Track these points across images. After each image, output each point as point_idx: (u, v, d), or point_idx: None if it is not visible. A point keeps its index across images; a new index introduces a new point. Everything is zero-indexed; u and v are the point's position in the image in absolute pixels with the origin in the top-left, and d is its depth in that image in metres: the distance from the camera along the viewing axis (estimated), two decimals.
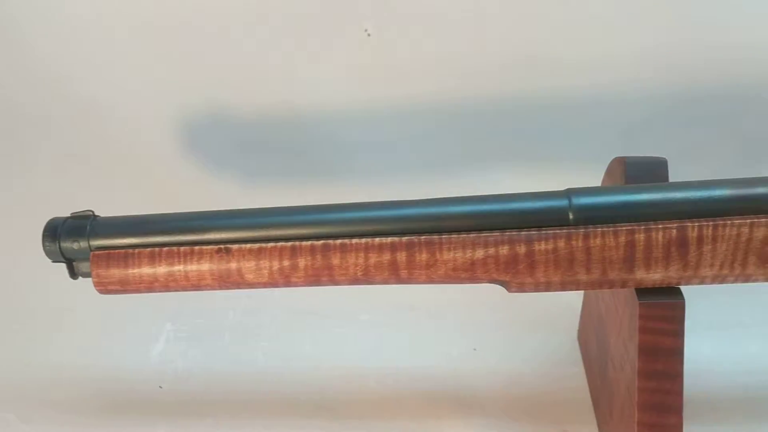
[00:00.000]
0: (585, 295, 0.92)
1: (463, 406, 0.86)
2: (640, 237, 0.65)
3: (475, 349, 0.95)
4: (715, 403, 0.86)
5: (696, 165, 0.93)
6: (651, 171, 0.72)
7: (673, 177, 0.92)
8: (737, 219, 0.64)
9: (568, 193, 0.67)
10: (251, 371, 0.93)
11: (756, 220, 0.64)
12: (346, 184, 0.93)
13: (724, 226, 0.64)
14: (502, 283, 0.68)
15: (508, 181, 0.92)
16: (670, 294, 0.67)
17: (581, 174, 0.83)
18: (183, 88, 0.93)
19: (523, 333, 0.95)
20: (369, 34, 0.86)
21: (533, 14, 0.85)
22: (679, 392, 0.67)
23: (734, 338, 0.94)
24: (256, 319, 1.00)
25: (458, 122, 0.90)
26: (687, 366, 0.88)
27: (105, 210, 0.73)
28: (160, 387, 0.90)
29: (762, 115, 0.88)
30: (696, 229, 0.65)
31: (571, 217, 0.66)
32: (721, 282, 0.66)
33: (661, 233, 0.65)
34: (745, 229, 0.64)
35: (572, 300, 0.94)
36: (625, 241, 0.65)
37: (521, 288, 0.67)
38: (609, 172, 0.78)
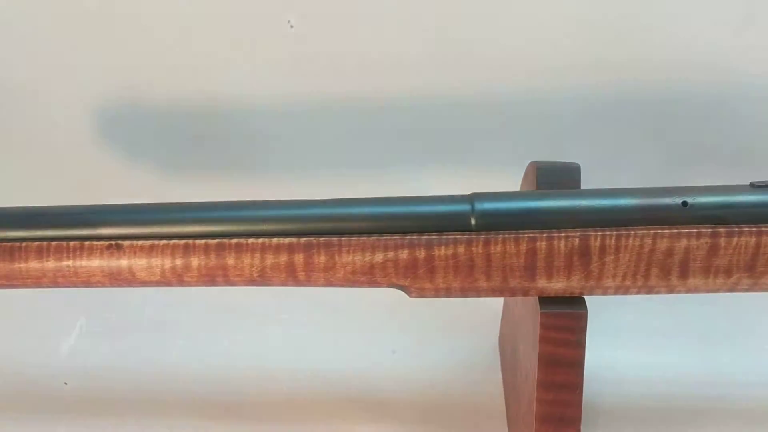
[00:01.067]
0: (504, 301, 0.91)
1: (376, 410, 0.85)
2: (542, 245, 0.63)
3: (394, 352, 0.93)
4: (631, 412, 0.85)
5: (621, 170, 0.93)
6: (563, 177, 0.70)
7: (598, 182, 0.91)
8: (641, 230, 0.63)
9: (472, 198, 0.66)
10: (163, 369, 0.90)
11: (659, 231, 0.63)
12: (268, 179, 0.91)
13: (627, 236, 0.63)
14: (402, 288, 0.66)
15: (430, 181, 0.90)
16: (573, 304, 0.65)
17: (506, 176, 0.81)
18: (101, 76, 0.90)
19: (445, 336, 0.94)
20: (292, 26, 0.84)
21: (458, 13, 0.83)
22: (578, 404, 0.66)
23: (653, 348, 0.93)
24: (174, 315, 0.97)
25: (382, 120, 0.88)
26: (604, 375, 0.90)
27: (17, 199, 0.70)
28: (65, 384, 0.88)
29: (686, 120, 0.87)
30: (599, 239, 0.63)
31: (473, 222, 0.65)
32: (625, 293, 0.65)
33: (563, 242, 0.63)
34: (648, 240, 0.63)
35: (496, 304, 0.93)
36: (527, 248, 0.63)
37: (421, 293, 0.66)
38: (525, 177, 0.77)
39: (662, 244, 0.63)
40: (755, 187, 0.65)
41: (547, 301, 0.66)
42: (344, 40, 0.85)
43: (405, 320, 0.95)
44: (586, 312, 0.65)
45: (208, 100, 0.88)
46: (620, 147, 0.89)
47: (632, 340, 0.94)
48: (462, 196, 0.66)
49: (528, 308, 0.73)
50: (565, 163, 0.71)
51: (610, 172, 0.90)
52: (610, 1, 0.81)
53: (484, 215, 0.65)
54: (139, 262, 0.66)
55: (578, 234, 0.63)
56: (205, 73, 0.87)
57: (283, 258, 0.65)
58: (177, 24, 0.86)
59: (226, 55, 0.86)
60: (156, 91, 0.89)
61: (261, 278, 0.66)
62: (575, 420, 0.66)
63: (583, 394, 0.87)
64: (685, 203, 0.64)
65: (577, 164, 0.71)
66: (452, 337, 0.94)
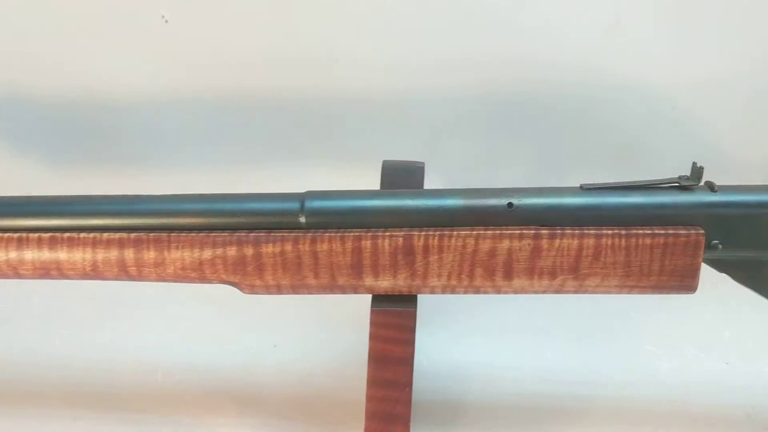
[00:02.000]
0: None
1: (248, 404, 0.85)
2: (367, 244, 0.64)
3: (275, 346, 0.94)
4: (500, 411, 0.85)
5: (498, 169, 0.93)
6: (406, 175, 0.71)
7: (474, 181, 0.92)
8: (464, 230, 0.64)
9: (303, 196, 0.66)
10: (43, 359, 0.90)
11: (482, 232, 0.63)
12: (151, 173, 0.91)
13: (450, 236, 0.64)
14: (234, 285, 0.66)
15: (314, 177, 0.91)
16: (404, 302, 0.66)
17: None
18: None
19: (326, 331, 0.94)
20: (167, 21, 0.84)
21: (335, 13, 0.83)
22: (408, 402, 0.67)
23: (532, 347, 0.94)
24: (61, 306, 0.98)
25: (264, 115, 0.89)
26: (478, 373, 0.91)
27: None
28: None
29: (560, 120, 0.87)
30: (422, 239, 0.64)
31: (302, 220, 0.65)
32: (452, 292, 0.66)
33: (387, 241, 0.64)
34: (471, 241, 0.63)
35: None
36: (352, 247, 0.64)
37: (253, 290, 0.66)
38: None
39: (485, 245, 0.63)
40: (584, 189, 0.65)
41: (379, 298, 0.67)
42: (218, 35, 0.85)
43: (288, 315, 0.96)
44: (415, 310, 0.66)
45: (91, 95, 0.89)
46: (497, 146, 0.90)
47: (512, 339, 0.95)
48: (294, 194, 0.66)
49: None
50: (408, 162, 0.71)
51: (487, 171, 0.91)
52: (483, 2, 0.81)
53: (313, 213, 0.65)
54: None
55: (402, 234, 0.64)
56: (84, 67, 0.87)
57: (114, 253, 0.65)
58: (55, 20, 0.86)
59: (103, 49, 0.87)
60: (39, 86, 0.89)
61: (94, 273, 0.66)
62: (404, 418, 0.66)
63: (456, 392, 0.89)
64: (510, 204, 0.64)
65: (422, 164, 0.72)
66: (333, 332, 0.94)
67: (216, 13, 0.83)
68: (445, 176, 0.91)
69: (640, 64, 0.85)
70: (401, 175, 0.71)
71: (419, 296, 0.93)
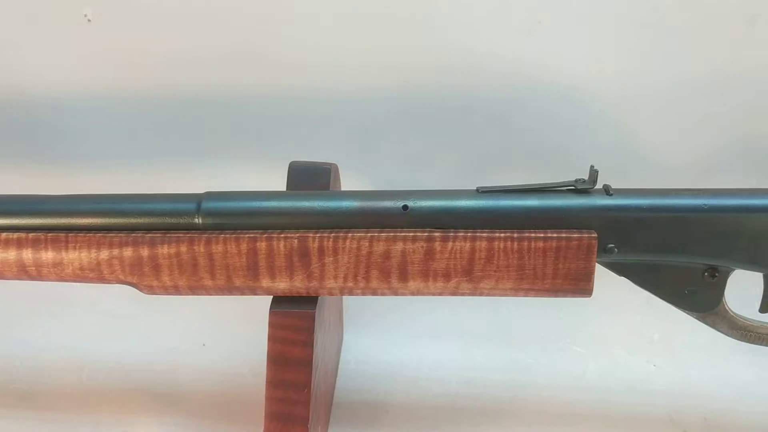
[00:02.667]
0: None
1: (168, 404, 0.85)
2: (262, 245, 0.64)
3: (204, 345, 0.94)
4: (421, 411, 0.85)
5: (426, 170, 0.93)
6: (312, 177, 0.71)
7: (402, 182, 0.92)
8: (358, 233, 0.64)
9: (201, 197, 0.66)
10: None
11: (376, 234, 0.63)
12: (79, 172, 0.91)
13: (345, 238, 0.64)
14: (132, 285, 0.66)
15: (239, 176, 0.91)
16: (303, 304, 0.66)
17: None
18: None
19: (255, 331, 0.93)
20: (89, 20, 0.84)
21: (255, 13, 0.83)
22: (307, 403, 0.66)
23: (461, 348, 0.93)
24: None
25: (183, 113, 0.88)
26: (404, 375, 0.90)
27: None
28: None
29: (485, 122, 0.87)
30: (317, 240, 0.64)
31: (198, 221, 0.65)
32: (350, 294, 0.65)
33: (282, 242, 0.64)
34: (365, 243, 0.63)
35: None
36: (247, 248, 0.64)
37: (151, 290, 0.66)
38: None
39: (379, 247, 0.63)
40: (481, 192, 0.65)
41: (279, 300, 0.67)
42: (139, 34, 0.85)
43: (218, 315, 0.96)
44: (314, 312, 0.66)
45: (16, 94, 0.89)
46: (424, 147, 0.90)
47: (441, 341, 0.95)
48: (193, 195, 0.66)
49: None
50: (315, 163, 0.71)
51: (414, 173, 0.91)
52: (407, 2, 0.81)
53: (209, 215, 0.65)
54: None
55: (297, 235, 0.64)
56: (5, 65, 0.87)
57: (12, 253, 0.65)
58: None
59: (25, 48, 0.86)
60: None
61: None
62: (303, 418, 0.66)
63: (379, 393, 0.89)
64: (405, 207, 0.64)
65: (329, 166, 0.71)
66: (263, 332, 0.92)
67: (137, 12, 0.83)
68: (372, 177, 0.91)
69: (563, 65, 0.84)
70: (308, 177, 0.70)
71: (347, 298, 0.95)
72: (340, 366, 0.92)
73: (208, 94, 0.88)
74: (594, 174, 0.64)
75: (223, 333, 0.96)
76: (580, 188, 0.64)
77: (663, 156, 0.90)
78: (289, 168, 0.71)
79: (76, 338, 0.95)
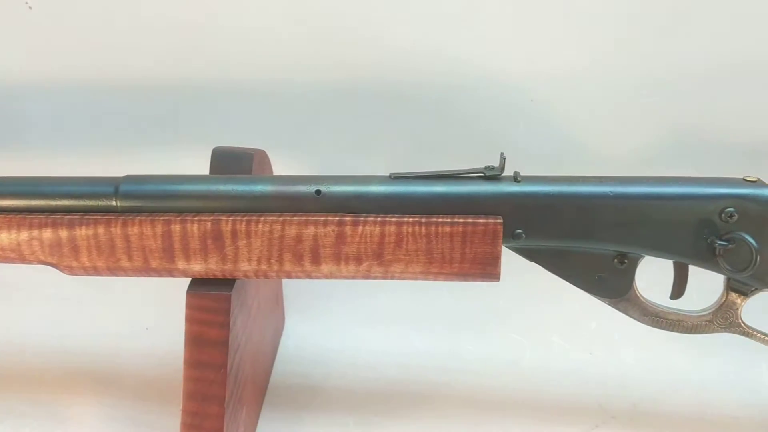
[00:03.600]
0: None
1: (106, 385, 0.87)
2: (176, 228, 0.65)
3: (147, 329, 0.96)
4: (351, 395, 0.87)
5: (365, 157, 0.94)
6: (235, 162, 0.72)
7: (344, 169, 0.93)
8: (271, 216, 0.65)
9: (120, 180, 0.67)
10: None
11: (288, 218, 0.65)
12: (20, 157, 0.92)
13: (257, 222, 0.65)
14: (53, 266, 0.68)
15: (185, 160, 0.91)
16: (220, 286, 0.68)
17: None
18: None
19: None
20: (30, 7, 0.85)
21: (196, 2, 0.85)
22: (223, 383, 0.68)
23: (398, 333, 0.95)
24: None
25: (128, 101, 0.90)
26: (347, 357, 0.92)
27: None
28: None
29: (423, 114, 0.88)
30: (230, 223, 0.65)
31: (116, 204, 0.66)
32: (265, 277, 0.67)
33: (196, 225, 0.65)
34: (278, 227, 0.65)
35: None
36: (162, 230, 0.65)
37: (71, 271, 0.68)
38: None
39: (291, 231, 0.65)
40: (393, 178, 0.66)
41: (197, 282, 0.68)
42: (81, 21, 0.86)
43: (163, 298, 0.97)
44: (230, 294, 0.67)
45: None
46: (363, 136, 0.91)
47: (381, 327, 0.96)
48: (112, 178, 0.68)
49: None
50: (238, 149, 0.72)
51: (353, 160, 0.92)
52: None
53: (127, 197, 0.66)
54: None
55: (211, 218, 0.65)
56: None
57: None
58: None
59: None
60: None
61: None
62: (220, 398, 0.67)
63: (316, 377, 0.90)
64: (318, 192, 0.65)
65: (252, 151, 0.72)
66: None
67: (75, 1, 0.84)
68: (311, 165, 0.92)
69: (496, 55, 0.85)
70: (230, 162, 0.71)
71: (289, 283, 0.96)
72: (279, 350, 0.94)
73: (154, 81, 0.89)
74: (503, 161, 0.65)
75: (168, 317, 0.96)
76: (488, 175, 0.65)
77: (599, 146, 0.91)
78: (212, 153, 0.72)
79: (21, 321, 0.97)
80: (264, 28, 0.86)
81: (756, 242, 0.63)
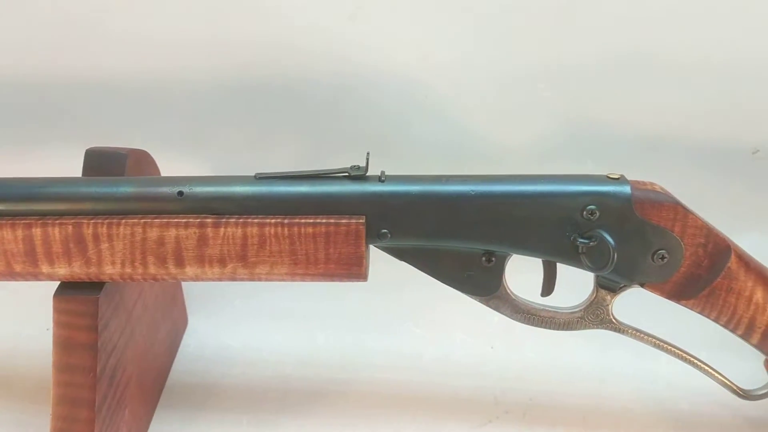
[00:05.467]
0: None
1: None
2: (37, 231, 0.64)
3: (48, 330, 0.94)
4: (257, 392, 0.87)
5: (262, 156, 0.93)
6: (108, 163, 0.71)
7: (237, 169, 0.92)
8: (132, 219, 0.64)
9: None
10: None
11: (150, 220, 0.64)
12: None
13: (119, 225, 0.64)
14: None
15: (61, 161, 0.90)
16: (89, 289, 0.67)
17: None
18: None
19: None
20: None
21: None
22: (92, 387, 0.67)
23: (306, 329, 0.95)
24: None
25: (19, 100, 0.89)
26: (249, 355, 0.91)
27: None
28: None
29: (320, 111, 0.88)
30: (91, 227, 0.64)
31: None
32: (131, 280, 0.66)
33: (57, 229, 0.64)
34: (139, 229, 0.64)
35: None
36: (23, 234, 0.64)
37: None
38: None
39: (153, 233, 0.64)
40: (258, 178, 0.66)
41: (65, 285, 0.67)
42: None
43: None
44: (98, 297, 0.66)
45: None
46: (262, 134, 0.90)
47: (285, 324, 0.96)
48: None
49: None
50: (111, 149, 0.71)
51: (252, 158, 0.91)
52: None
53: None
54: None
55: (72, 221, 0.64)
56: None
57: None
58: None
59: None
60: None
61: None
62: (89, 402, 0.67)
63: (215, 375, 0.90)
64: (180, 193, 0.65)
65: (126, 151, 0.72)
66: None
67: None
68: (209, 163, 0.91)
69: (389, 50, 0.85)
70: (103, 162, 0.71)
71: (195, 282, 0.95)
72: (180, 349, 0.94)
73: (34, 78, 0.88)
74: (368, 160, 0.65)
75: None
76: (353, 175, 0.65)
77: (497, 139, 0.91)
78: (85, 154, 0.71)
79: None
80: (153, 26, 0.85)
81: (615, 239, 0.64)
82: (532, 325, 0.70)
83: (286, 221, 0.63)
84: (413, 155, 0.86)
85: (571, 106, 0.89)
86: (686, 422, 0.86)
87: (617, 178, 0.65)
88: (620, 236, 0.64)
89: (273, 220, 0.63)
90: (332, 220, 0.63)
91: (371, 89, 0.86)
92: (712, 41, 0.85)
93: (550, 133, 0.90)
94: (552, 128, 0.90)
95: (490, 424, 0.85)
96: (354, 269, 0.64)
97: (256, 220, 0.64)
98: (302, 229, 0.63)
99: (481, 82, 0.87)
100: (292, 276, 0.65)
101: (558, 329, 0.70)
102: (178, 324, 0.93)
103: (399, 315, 0.97)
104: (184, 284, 0.96)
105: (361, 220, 0.63)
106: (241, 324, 0.97)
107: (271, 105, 0.88)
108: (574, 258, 0.65)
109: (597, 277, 0.68)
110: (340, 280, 0.65)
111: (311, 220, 0.63)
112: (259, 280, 0.66)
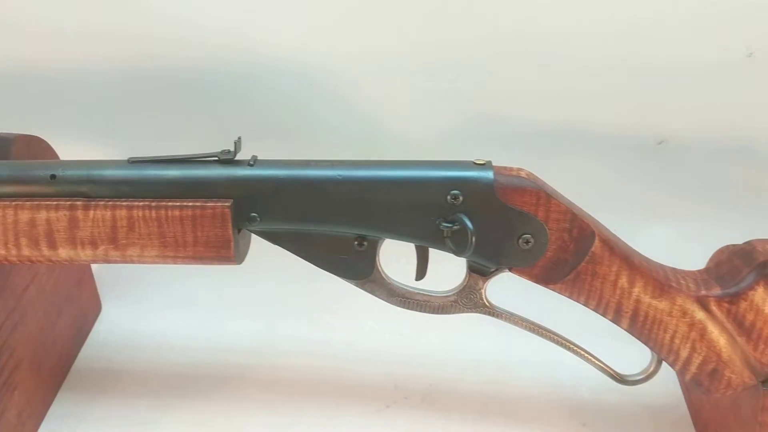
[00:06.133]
0: None
1: None
2: None
3: None
4: (160, 377, 0.88)
5: (169, 145, 0.94)
6: None
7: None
8: (4, 201, 0.65)
9: None
10: None
11: (21, 203, 0.65)
12: None
13: None
14: None
15: None
16: None
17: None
18: None
19: None
20: None
21: None
22: None
23: (217, 317, 0.97)
24: None
25: None
26: (156, 342, 0.92)
27: None
28: None
29: (230, 100, 0.89)
30: None
31: None
32: (7, 262, 0.67)
33: None
34: (10, 212, 0.65)
35: None
36: None
37: None
38: None
39: (24, 216, 0.65)
40: (131, 162, 0.67)
41: None
42: None
43: None
44: None
45: None
46: (172, 122, 0.91)
47: (197, 312, 0.97)
48: None
49: None
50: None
51: (161, 148, 0.92)
52: None
53: None
54: None
55: None
56: None
57: None
58: None
59: None
60: None
61: None
62: None
63: (119, 361, 0.90)
64: (53, 176, 0.66)
65: (12, 136, 0.73)
66: None
67: None
68: (117, 152, 0.92)
69: (291, 42, 0.86)
70: None
71: (105, 271, 0.96)
72: (91, 335, 0.95)
73: None
74: (237, 144, 0.66)
75: None
76: (222, 159, 0.66)
77: (408, 129, 0.92)
78: None
79: None
80: (61, 16, 0.86)
81: (477, 223, 0.64)
82: (409, 308, 0.71)
83: (153, 204, 0.64)
84: (319, 145, 0.87)
85: (476, 99, 0.89)
86: (585, 409, 0.87)
87: (482, 164, 0.66)
88: (483, 220, 0.65)
89: (141, 203, 0.64)
90: (198, 204, 0.64)
91: (276, 79, 0.87)
92: (616, 35, 0.86)
93: (456, 125, 0.91)
94: (457, 120, 0.91)
95: (387, 409, 0.86)
96: (222, 252, 0.65)
97: (124, 203, 0.64)
98: (169, 212, 0.64)
99: (386, 74, 0.88)
100: (164, 258, 0.66)
101: (433, 313, 0.71)
102: (88, 310, 0.94)
103: (310, 303, 0.98)
104: (97, 272, 0.97)
105: (227, 204, 0.64)
106: (154, 311, 0.98)
107: (179, 95, 0.89)
108: (441, 242, 0.66)
109: (468, 262, 0.69)
110: (211, 263, 0.66)
111: (178, 204, 0.64)
112: (132, 262, 0.67)
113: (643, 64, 0.87)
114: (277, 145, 0.80)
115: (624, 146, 0.92)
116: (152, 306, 0.98)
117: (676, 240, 0.81)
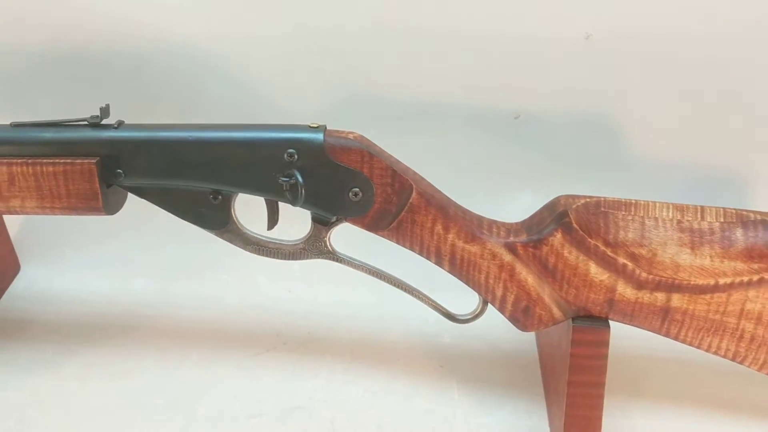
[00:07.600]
0: None
1: None
2: None
3: None
4: (68, 327, 0.98)
5: None
6: None
7: None
8: None
9: None
10: None
11: None
12: None
13: None
14: None
15: None
16: None
17: None
18: None
19: None
20: None
21: None
22: None
23: (126, 275, 1.06)
24: None
25: None
26: (72, 296, 1.02)
27: None
28: None
29: (128, 80, 0.99)
30: None
31: None
32: None
33: None
34: None
35: None
36: None
37: None
38: None
39: None
40: (14, 126, 0.77)
41: None
42: None
43: None
44: None
45: None
46: (72, 101, 1.01)
47: (106, 270, 1.07)
48: None
49: None
50: None
51: None
52: None
53: None
54: None
55: None
56: None
57: None
58: None
59: None
60: None
61: None
62: None
63: (32, 313, 1.00)
64: None
65: None
66: None
67: None
68: None
69: (180, 23, 0.96)
70: None
71: (24, 232, 1.06)
72: (8, 292, 1.04)
73: None
74: (106, 111, 0.76)
75: None
76: (91, 123, 0.76)
77: (288, 106, 1.01)
78: None
79: None
80: None
81: (309, 178, 0.75)
82: (263, 255, 0.81)
83: (30, 161, 0.75)
84: (212, 120, 0.97)
85: (352, 77, 0.99)
86: (445, 353, 0.97)
87: (316, 127, 0.76)
88: (317, 176, 0.75)
89: (19, 161, 0.75)
90: (68, 161, 0.75)
91: (170, 60, 0.97)
92: (473, 14, 0.95)
93: (335, 102, 1.01)
94: (336, 97, 1.01)
95: (266, 353, 0.96)
96: (92, 203, 0.76)
97: (5, 161, 0.75)
98: (44, 168, 0.75)
99: (268, 53, 0.98)
100: (42, 209, 0.77)
101: (286, 259, 0.81)
102: (6, 269, 1.04)
103: (208, 263, 1.08)
104: (16, 234, 1.07)
105: (93, 161, 0.75)
106: (70, 271, 1.08)
107: (80, 73, 0.99)
108: (282, 195, 0.76)
109: (312, 214, 0.79)
110: (85, 213, 0.77)
111: (51, 161, 0.75)
112: (16, 213, 0.77)
113: (497, 42, 0.96)
114: (174, 120, 0.90)
115: (486, 120, 1.02)
116: (69, 267, 1.08)
117: (535, 207, 0.91)
